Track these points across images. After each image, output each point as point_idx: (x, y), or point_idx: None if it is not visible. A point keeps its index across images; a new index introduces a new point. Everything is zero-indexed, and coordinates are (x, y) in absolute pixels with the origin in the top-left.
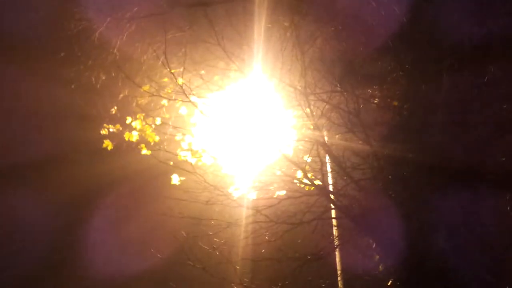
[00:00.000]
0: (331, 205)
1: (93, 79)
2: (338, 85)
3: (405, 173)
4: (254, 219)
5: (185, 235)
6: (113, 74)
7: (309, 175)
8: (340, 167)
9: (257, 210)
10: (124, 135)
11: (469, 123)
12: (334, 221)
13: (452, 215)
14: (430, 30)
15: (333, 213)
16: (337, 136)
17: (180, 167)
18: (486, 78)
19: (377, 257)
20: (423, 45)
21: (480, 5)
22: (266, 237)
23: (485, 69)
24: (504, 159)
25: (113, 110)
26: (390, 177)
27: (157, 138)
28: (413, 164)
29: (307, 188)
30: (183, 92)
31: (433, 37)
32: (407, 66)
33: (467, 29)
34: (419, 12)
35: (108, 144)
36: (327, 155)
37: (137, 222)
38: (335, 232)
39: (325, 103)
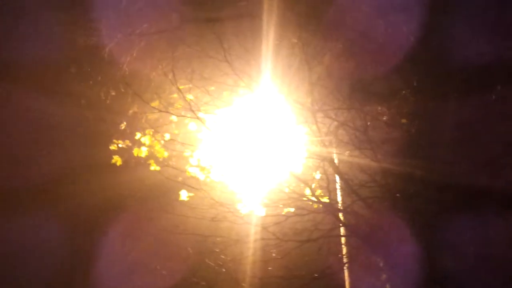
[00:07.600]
0: (339, 223)
1: (102, 94)
2: (346, 102)
3: (412, 192)
4: (261, 236)
5: (190, 251)
6: (122, 90)
7: (317, 192)
8: (347, 184)
9: (264, 228)
10: (133, 151)
11: (477, 142)
12: (342, 239)
13: (460, 235)
14: (439, 49)
15: (341, 231)
16: (344, 153)
17: (188, 183)
18: (494, 97)
19: (384, 276)
20: (432, 64)
21: (489, 25)
22: (273, 255)
23: (493, 88)
24: None
25: (122, 126)
26: (397, 195)
27: (166, 154)
28: (421, 182)
29: (315, 205)
30: (191, 108)
31: (442, 56)
32: (415, 84)
33: (476, 48)
34: (428, 31)
35: (117, 160)
36: (334, 172)
37: (145, 239)
38: (343, 250)
39: (332, 120)
